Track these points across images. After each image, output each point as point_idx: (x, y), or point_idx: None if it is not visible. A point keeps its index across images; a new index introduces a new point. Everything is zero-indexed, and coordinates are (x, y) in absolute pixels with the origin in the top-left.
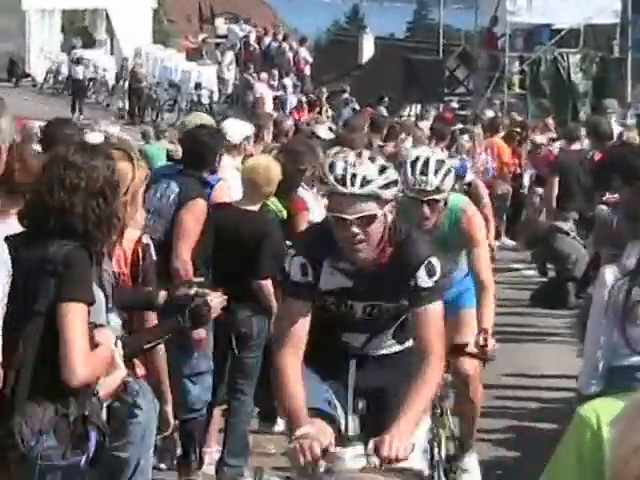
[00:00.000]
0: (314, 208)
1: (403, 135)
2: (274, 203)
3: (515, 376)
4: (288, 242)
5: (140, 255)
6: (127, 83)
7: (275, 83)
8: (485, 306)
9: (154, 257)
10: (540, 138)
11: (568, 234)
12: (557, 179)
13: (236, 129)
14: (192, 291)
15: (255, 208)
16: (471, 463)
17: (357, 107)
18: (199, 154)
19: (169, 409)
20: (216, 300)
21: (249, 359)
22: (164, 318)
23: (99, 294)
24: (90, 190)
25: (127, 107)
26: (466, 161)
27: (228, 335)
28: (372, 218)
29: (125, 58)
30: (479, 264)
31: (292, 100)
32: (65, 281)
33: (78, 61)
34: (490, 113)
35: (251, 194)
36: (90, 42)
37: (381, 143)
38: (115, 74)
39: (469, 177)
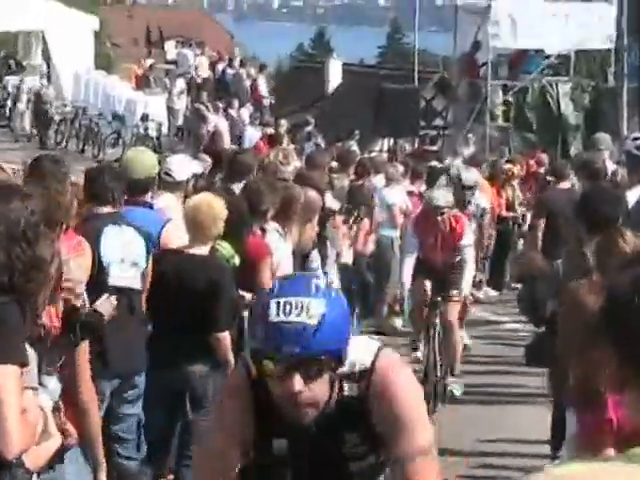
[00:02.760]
0: (281, 249)
1: (373, 172)
2: (223, 246)
3: (498, 442)
4: (242, 292)
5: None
6: (31, 105)
7: (233, 113)
8: None
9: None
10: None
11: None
12: (543, 222)
13: (182, 165)
14: (78, 303)
15: (204, 252)
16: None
17: (321, 142)
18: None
19: (103, 477)
20: (105, 304)
21: (205, 422)
22: None
23: (31, 354)
24: (11, 235)
25: (33, 131)
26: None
27: (180, 395)
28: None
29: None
30: None
31: (253, 133)
32: None
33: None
34: (469, 149)
35: (197, 236)
36: (20, 68)
37: (347, 181)
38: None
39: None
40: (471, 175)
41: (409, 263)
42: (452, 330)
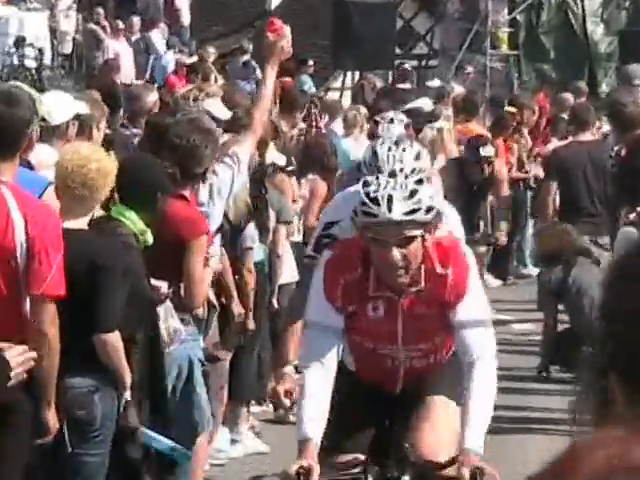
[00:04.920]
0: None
1: (326, 117)
2: (129, 218)
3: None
4: (156, 282)
5: None
6: None
7: (137, 37)
8: None
9: None
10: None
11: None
12: (554, 185)
13: (59, 105)
14: None
15: (81, 225)
16: None
17: (261, 76)
18: None
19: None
20: (17, 357)
21: (89, 458)
22: None
23: None
24: None
25: None
26: None
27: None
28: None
29: None
30: None
31: (168, 61)
32: None
33: None
34: (460, 87)
35: (73, 204)
36: None
37: (296, 129)
38: None
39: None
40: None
41: None
42: None
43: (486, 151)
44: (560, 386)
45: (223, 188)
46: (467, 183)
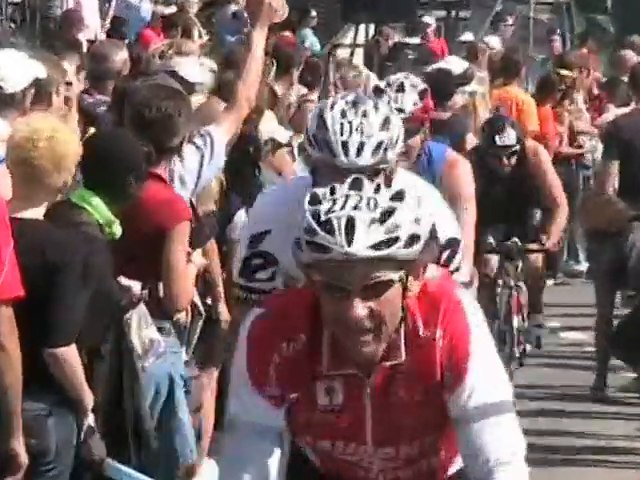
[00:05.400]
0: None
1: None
2: (95, 206)
3: None
4: (126, 281)
5: None
6: None
7: None
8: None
9: None
10: None
11: None
12: (615, 163)
13: (14, 68)
14: None
15: (35, 214)
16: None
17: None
18: None
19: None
20: None
21: None
22: None
23: None
24: None
25: None
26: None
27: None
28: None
29: None
30: None
31: (144, 11)
32: None
33: None
34: (497, 43)
35: (24, 188)
36: None
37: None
38: None
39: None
40: None
41: None
42: None
43: (504, 139)
44: (622, 408)
45: (188, 177)
46: (492, 179)
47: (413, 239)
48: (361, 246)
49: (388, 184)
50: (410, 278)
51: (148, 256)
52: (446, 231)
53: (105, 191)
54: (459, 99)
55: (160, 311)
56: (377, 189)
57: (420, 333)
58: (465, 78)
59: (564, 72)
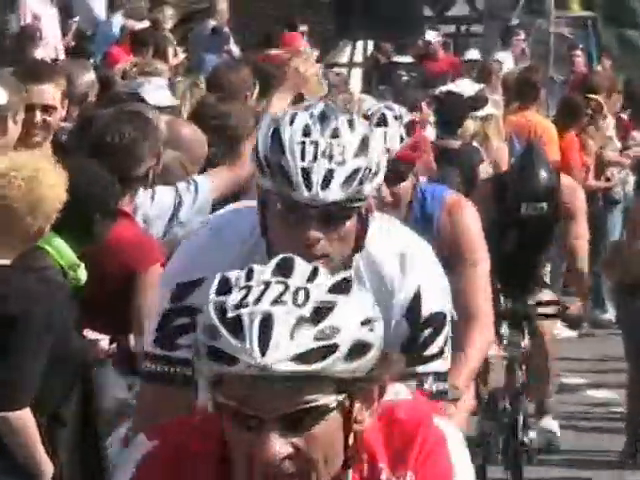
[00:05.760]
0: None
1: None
2: (57, 248)
3: None
4: (92, 334)
5: None
6: None
7: None
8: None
9: None
10: None
11: None
12: None
13: None
14: None
15: (5, 261)
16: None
17: (234, 48)
18: None
19: None
20: None
21: None
22: None
23: None
24: None
25: None
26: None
27: None
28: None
29: None
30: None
31: (114, 26)
32: None
33: None
34: (509, 60)
35: None
36: None
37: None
38: None
39: None
40: None
41: None
42: None
43: (533, 206)
44: None
45: (156, 218)
46: (508, 223)
47: (359, 348)
48: (281, 356)
49: (362, 231)
50: (357, 404)
51: (117, 306)
52: (431, 304)
53: (69, 231)
54: (470, 124)
55: (133, 367)
56: (313, 275)
57: (382, 478)
58: (477, 101)
59: (591, 95)
